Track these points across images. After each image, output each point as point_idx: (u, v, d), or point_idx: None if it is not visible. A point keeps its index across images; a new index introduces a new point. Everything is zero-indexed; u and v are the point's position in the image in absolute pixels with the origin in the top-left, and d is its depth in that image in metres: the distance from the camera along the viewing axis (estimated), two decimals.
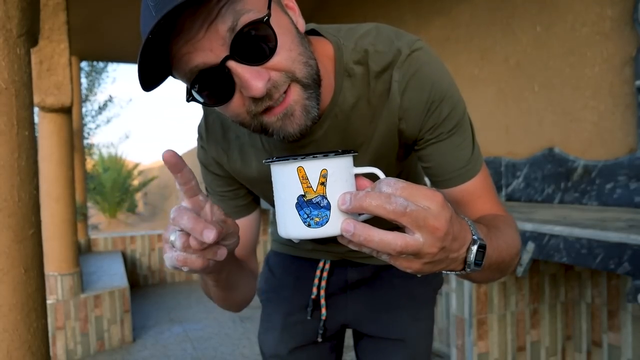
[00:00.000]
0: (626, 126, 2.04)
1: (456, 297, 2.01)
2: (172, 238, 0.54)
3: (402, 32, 0.72)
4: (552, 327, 2.13)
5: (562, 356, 2.17)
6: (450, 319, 2.06)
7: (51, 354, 2.35)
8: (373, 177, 0.54)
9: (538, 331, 2.10)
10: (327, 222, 0.50)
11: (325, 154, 0.50)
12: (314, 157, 0.50)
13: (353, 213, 0.50)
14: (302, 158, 0.50)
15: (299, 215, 0.51)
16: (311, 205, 0.50)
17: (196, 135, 0.85)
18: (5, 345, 0.92)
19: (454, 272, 0.56)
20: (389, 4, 3.62)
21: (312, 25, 0.75)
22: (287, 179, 0.51)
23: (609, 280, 2.03)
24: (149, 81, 0.58)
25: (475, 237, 0.54)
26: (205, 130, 0.82)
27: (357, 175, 0.53)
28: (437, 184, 0.76)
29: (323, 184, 0.50)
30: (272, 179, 0.54)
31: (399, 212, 0.46)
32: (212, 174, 0.84)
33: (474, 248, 0.53)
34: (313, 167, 0.50)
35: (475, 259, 0.54)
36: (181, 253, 0.54)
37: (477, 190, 0.74)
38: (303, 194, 0.50)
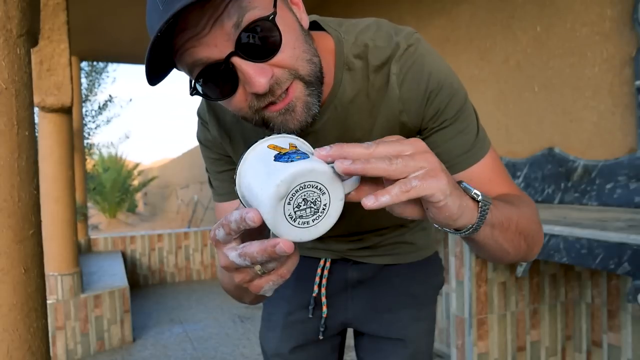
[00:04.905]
0: (626, 126, 2.04)
1: (456, 297, 2.01)
2: (256, 267, 0.49)
3: (400, 27, 0.74)
4: (552, 327, 2.13)
5: (562, 356, 2.17)
6: (450, 319, 2.06)
7: (51, 354, 2.34)
8: None
9: (538, 331, 2.10)
10: (307, 158, 0.47)
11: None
12: (278, 134, 0.52)
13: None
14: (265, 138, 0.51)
15: (279, 161, 0.47)
16: (288, 154, 0.48)
17: (196, 118, 0.85)
18: (5, 345, 0.92)
19: (479, 216, 0.54)
20: (389, 4, 3.62)
21: (315, 17, 0.76)
22: (259, 155, 0.49)
23: (609, 280, 2.03)
24: (154, 75, 0.59)
25: (458, 182, 0.54)
26: (207, 111, 0.82)
27: None
28: None
29: (294, 146, 0.50)
30: (246, 178, 0.49)
31: (376, 147, 0.47)
32: (213, 153, 0.85)
33: (465, 184, 0.54)
34: (282, 140, 0.51)
35: (474, 190, 0.54)
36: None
37: (485, 173, 0.73)
38: (278, 152, 0.48)
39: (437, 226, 0.54)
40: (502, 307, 2.00)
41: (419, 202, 0.51)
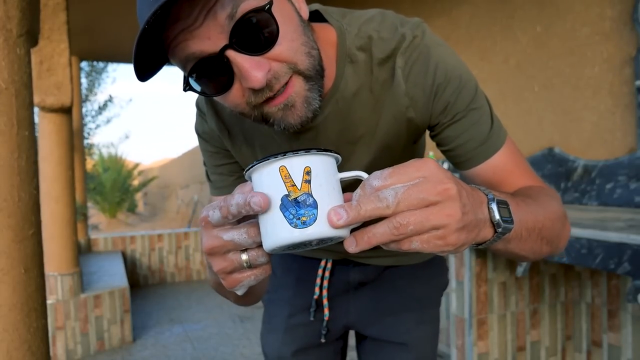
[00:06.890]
0: (626, 126, 2.04)
1: (456, 297, 2.01)
2: (244, 257, 0.51)
3: (407, 19, 0.71)
4: (552, 327, 2.13)
5: (562, 356, 2.17)
6: (450, 319, 2.06)
7: (51, 354, 2.35)
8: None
9: (538, 331, 2.10)
10: (314, 221, 0.46)
11: (307, 150, 0.47)
12: (295, 153, 0.47)
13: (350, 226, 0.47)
14: (282, 155, 0.47)
15: (285, 217, 0.46)
16: (296, 205, 0.46)
17: (195, 109, 0.82)
18: (5, 345, 0.92)
19: (491, 241, 0.52)
20: (390, 4, 3.62)
21: (316, 7, 0.72)
22: (268, 180, 0.48)
23: (609, 280, 2.03)
24: (144, 70, 0.56)
25: (489, 196, 0.51)
26: (205, 102, 0.79)
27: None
28: (460, 166, 0.73)
29: (307, 181, 0.47)
30: (254, 189, 0.49)
31: (392, 202, 0.43)
32: (211, 146, 0.82)
33: (494, 205, 0.50)
34: (296, 164, 0.47)
35: (501, 215, 0.50)
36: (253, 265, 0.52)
37: (504, 165, 0.70)
38: (287, 193, 0.46)
39: None
40: (502, 307, 2.00)
41: None
